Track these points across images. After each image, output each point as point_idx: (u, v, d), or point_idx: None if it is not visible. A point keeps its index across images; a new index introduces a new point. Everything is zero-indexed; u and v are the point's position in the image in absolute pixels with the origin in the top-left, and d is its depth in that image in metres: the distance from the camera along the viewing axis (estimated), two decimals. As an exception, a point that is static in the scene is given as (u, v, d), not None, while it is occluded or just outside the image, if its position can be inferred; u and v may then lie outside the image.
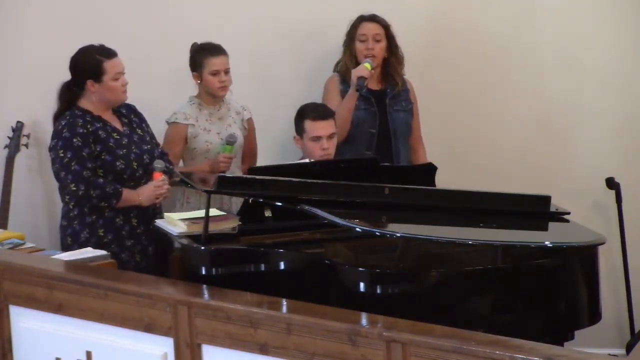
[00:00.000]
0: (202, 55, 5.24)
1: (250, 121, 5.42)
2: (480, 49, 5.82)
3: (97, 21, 5.37)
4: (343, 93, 5.41)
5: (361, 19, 5.47)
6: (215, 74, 5.22)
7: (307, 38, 5.73)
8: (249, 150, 5.44)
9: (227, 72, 5.24)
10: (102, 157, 4.77)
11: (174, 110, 5.28)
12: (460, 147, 5.69)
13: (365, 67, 5.30)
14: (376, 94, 5.47)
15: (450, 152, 5.76)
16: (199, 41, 5.28)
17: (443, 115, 5.74)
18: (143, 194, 4.80)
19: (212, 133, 5.26)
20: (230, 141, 5.21)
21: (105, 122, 4.84)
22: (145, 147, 4.90)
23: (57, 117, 4.85)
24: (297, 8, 5.69)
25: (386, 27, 5.46)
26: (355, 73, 5.31)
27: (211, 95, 5.28)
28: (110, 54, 4.80)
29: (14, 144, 5.30)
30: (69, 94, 4.85)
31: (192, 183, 4.89)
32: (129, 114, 4.97)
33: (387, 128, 5.44)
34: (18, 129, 5.32)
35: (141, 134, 4.94)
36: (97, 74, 4.78)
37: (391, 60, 5.48)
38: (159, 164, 4.83)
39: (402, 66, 5.51)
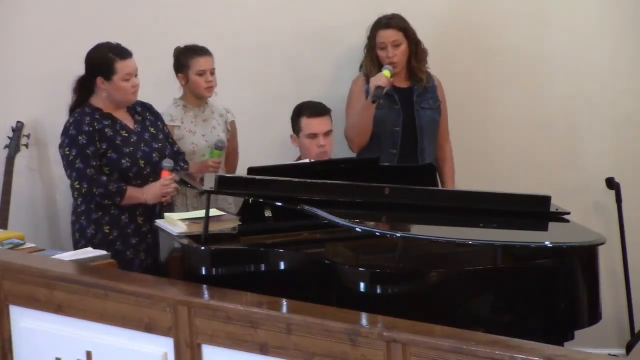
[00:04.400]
0: (188, 56, 5.21)
1: (232, 124, 5.39)
2: (481, 49, 5.81)
3: (97, 21, 5.37)
4: (367, 94, 5.34)
5: (377, 27, 5.38)
6: (201, 74, 5.19)
7: (309, 39, 5.72)
8: (232, 151, 5.41)
9: (212, 72, 5.21)
10: (108, 154, 4.78)
11: (160, 112, 5.24)
12: (460, 147, 5.68)
13: (384, 75, 5.20)
14: (401, 92, 5.41)
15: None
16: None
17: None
18: (148, 192, 4.80)
19: (198, 135, 5.23)
20: (219, 146, 5.16)
21: (114, 119, 4.84)
22: (156, 146, 4.90)
23: (72, 110, 4.86)
24: (298, 9, 5.69)
25: (403, 28, 5.38)
26: (374, 82, 5.21)
27: (197, 96, 5.25)
28: (123, 54, 4.80)
29: (14, 144, 5.30)
30: (82, 88, 4.85)
31: (193, 183, 4.88)
32: (144, 112, 4.96)
33: (413, 125, 5.39)
34: (18, 129, 5.32)
35: (154, 132, 4.94)
36: (107, 73, 4.78)
37: (411, 59, 5.42)
38: (167, 162, 4.82)
39: (423, 63, 5.45)
